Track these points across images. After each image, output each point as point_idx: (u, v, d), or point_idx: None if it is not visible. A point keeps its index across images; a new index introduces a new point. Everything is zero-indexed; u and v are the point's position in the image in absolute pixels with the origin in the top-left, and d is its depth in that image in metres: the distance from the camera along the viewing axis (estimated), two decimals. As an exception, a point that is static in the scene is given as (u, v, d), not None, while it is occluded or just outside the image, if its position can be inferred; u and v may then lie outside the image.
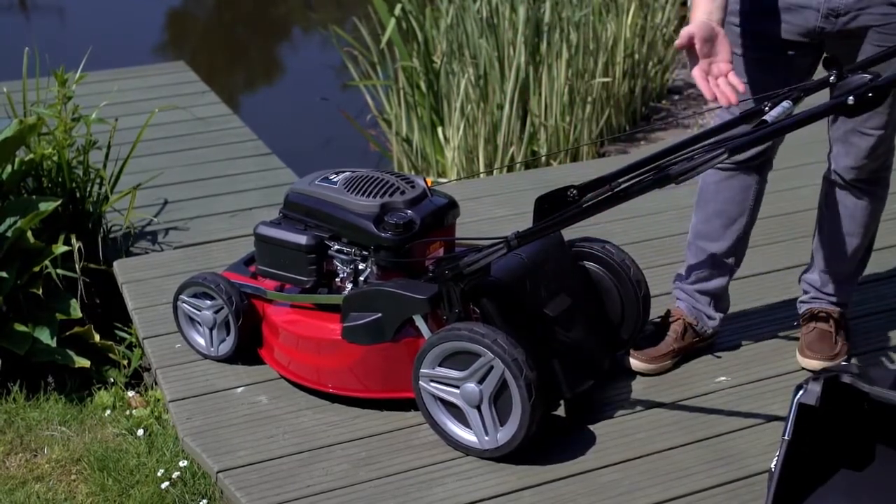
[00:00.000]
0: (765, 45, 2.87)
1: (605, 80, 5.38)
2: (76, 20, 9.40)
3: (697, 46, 2.61)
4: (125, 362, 3.73)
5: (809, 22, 2.81)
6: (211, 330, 3.26)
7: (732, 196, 3.10)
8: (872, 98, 2.41)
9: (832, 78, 2.62)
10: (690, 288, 3.23)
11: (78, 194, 4.06)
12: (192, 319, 3.31)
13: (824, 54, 2.86)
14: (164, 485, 2.93)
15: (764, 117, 2.61)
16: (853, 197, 3.07)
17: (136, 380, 3.70)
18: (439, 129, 5.42)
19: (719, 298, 3.24)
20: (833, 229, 3.15)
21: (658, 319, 3.25)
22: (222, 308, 3.20)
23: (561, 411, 2.98)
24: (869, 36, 2.78)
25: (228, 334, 3.24)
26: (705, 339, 3.27)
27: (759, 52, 2.89)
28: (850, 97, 2.42)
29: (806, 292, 3.29)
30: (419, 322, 2.87)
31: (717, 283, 3.21)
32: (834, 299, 3.23)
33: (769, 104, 2.67)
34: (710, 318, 3.24)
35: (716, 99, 2.59)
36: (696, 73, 2.61)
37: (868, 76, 2.47)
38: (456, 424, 2.85)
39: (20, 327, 3.66)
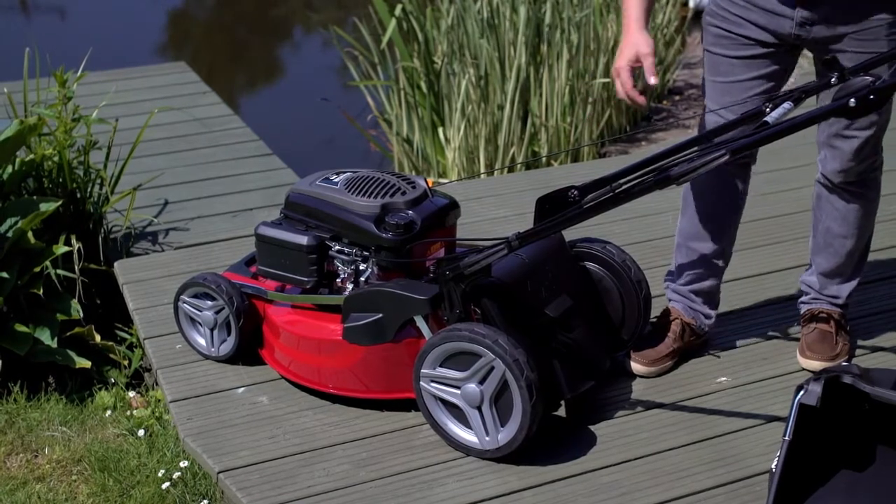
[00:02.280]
0: (741, 45, 2.89)
1: (606, 80, 5.38)
2: (77, 20, 9.40)
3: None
4: (126, 363, 3.73)
5: (784, 28, 2.82)
6: (212, 330, 3.26)
7: (719, 196, 3.11)
8: (874, 100, 2.40)
9: (833, 80, 2.61)
10: (684, 289, 3.23)
11: (78, 195, 4.06)
12: (192, 320, 3.31)
13: (826, 57, 2.87)
14: (165, 485, 2.93)
15: (765, 118, 2.61)
16: (843, 200, 3.07)
17: (136, 380, 3.70)
18: (440, 130, 5.42)
19: (713, 296, 3.25)
20: (827, 233, 3.15)
21: (655, 320, 3.25)
22: (223, 309, 3.20)
23: (562, 412, 2.98)
24: (846, 41, 2.79)
25: (229, 335, 3.24)
26: (702, 337, 3.27)
27: (736, 50, 2.90)
28: (852, 99, 2.41)
29: (806, 293, 3.29)
30: (420, 323, 2.87)
31: (710, 282, 3.21)
32: (834, 300, 3.23)
33: (770, 105, 2.67)
34: (706, 316, 3.25)
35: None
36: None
37: (870, 78, 2.46)
38: (456, 425, 2.85)
39: (21, 328, 3.66)
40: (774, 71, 2.92)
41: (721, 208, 3.13)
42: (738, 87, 2.92)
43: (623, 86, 2.87)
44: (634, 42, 2.89)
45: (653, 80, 2.83)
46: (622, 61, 2.88)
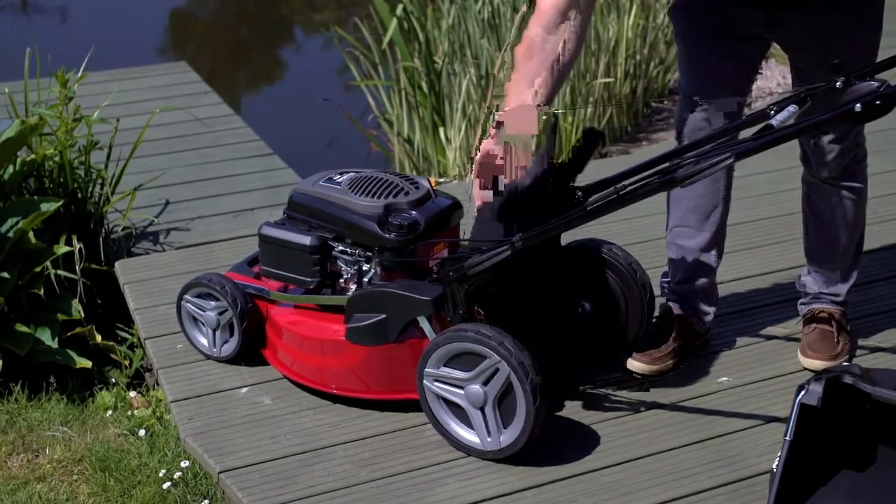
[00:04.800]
0: (715, 34, 2.91)
1: (607, 80, 5.38)
2: (78, 20, 9.39)
3: None
4: (126, 363, 3.73)
5: (753, 24, 2.85)
6: (214, 331, 3.26)
7: (703, 190, 3.10)
8: (880, 106, 2.40)
9: (839, 84, 2.60)
10: (680, 289, 3.23)
11: (79, 195, 4.06)
12: (195, 319, 3.31)
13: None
14: (166, 485, 2.93)
15: (770, 121, 2.61)
16: (831, 196, 3.07)
17: (137, 380, 3.70)
18: (441, 130, 5.42)
19: (709, 292, 3.25)
20: (819, 231, 3.15)
21: (655, 319, 3.25)
22: (227, 310, 3.20)
23: (563, 412, 2.99)
24: (819, 39, 2.79)
25: (232, 335, 3.24)
26: (702, 336, 3.27)
27: (710, 40, 2.92)
28: (858, 104, 2.40)
29: (805, 294, 3.29)
30: (423, 323, 2.87)
31: (704, 278, 3.21)
32: (833, 299, 3.23)
33: (775, 108, 2.67)
34: (704, 313, 3.25)
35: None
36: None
37: (876, 83, 2.45)
38: (459, 425, 2.85)
39: (22, 328, 3.66)
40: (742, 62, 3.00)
41: (707, 203, 3.14)
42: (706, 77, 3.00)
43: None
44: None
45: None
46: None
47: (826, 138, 2.95)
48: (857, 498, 2.51)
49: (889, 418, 2.45)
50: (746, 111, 3.08)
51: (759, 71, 3.06)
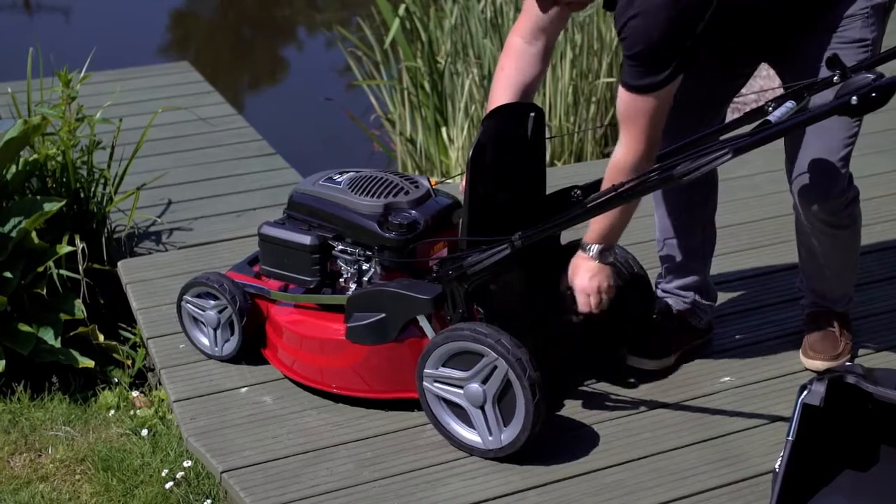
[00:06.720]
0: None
1: (610, 80, 5.38)
2: (80, 20, 9.41)
3: None
4: (129, 362, 3.73)
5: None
6: (215, 330, 3.26)
7: (689, 187, 3.07)
8: (876, 98, 2.40)
9: (835, 78, 2.60)
10: (672, 286, 3.23)
11: (82, 194, 4.06)
12: (196, 319, 3.32)
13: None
14: (169, 485, 2.93)
15: (768, 117, 2.61)
16: (821, 235, 2.97)
17: (140, 380, 3.70)
18: (443, 130, 5.42)
19: (704, 289, 3.24)
20: (810, 258, 3.09)
21: (654, 316, 3.24)
22: (226, 308, 3.21)
23: (565, 412, 2.99)
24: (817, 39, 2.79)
25: (232, 334, 3.24)
26: (702, 334, 3.27)
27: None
28: (854, 97, 2.41)
29: (805, 297, 3.28)
30: (423, 322, 2.87)
31: (697, 275, 3.21)
32: (832, 305, 3.20)
33: (773, 104, 2.67)
34: (701, 310, 3.24)
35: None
36: None
37: (872, 76, 2.45)
38: (460, 425, 2.85)
39: (24, 327, 3.66)
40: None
41: (694, 198, 3.13)
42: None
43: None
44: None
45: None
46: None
47: (814, 183, 2.85)
48: (859, 497, 2.51)
49: (891, 418, 2.45)
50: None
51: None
